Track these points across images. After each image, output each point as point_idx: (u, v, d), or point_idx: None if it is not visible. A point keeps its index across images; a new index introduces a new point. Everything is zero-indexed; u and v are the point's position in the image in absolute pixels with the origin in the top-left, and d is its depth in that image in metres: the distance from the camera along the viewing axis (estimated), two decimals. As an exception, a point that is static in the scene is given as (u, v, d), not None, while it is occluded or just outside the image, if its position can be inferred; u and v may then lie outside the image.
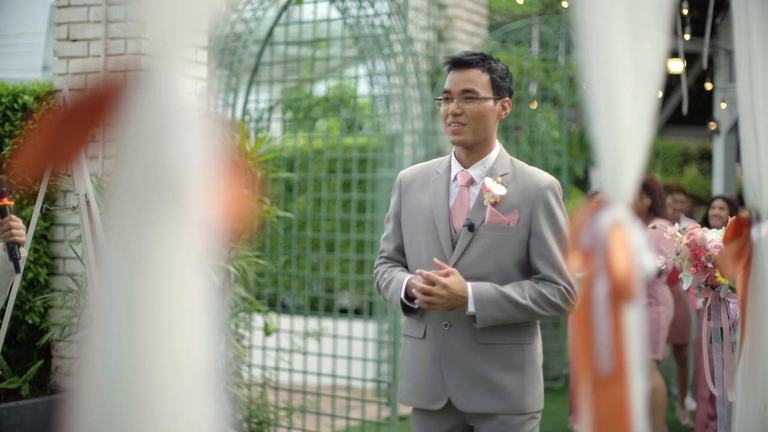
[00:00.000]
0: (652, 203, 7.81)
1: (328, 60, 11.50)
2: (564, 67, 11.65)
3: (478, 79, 4.10)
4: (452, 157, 4.24)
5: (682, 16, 10.85)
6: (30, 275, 7.00)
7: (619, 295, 2.03)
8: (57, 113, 1.47)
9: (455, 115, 4.08)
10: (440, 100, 4.17)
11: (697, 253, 4.36)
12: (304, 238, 9.39)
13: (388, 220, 4.36)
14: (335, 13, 9.17)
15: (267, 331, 7.94)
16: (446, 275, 3.97)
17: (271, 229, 9.16)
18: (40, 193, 5.58)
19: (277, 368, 8.69)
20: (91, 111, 1.48)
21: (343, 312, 10.07)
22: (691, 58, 14.46)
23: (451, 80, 4.14)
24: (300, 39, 9.48)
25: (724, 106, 14.00)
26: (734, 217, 3.43)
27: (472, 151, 4.16)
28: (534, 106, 12.01)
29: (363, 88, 11.43)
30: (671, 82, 16.20)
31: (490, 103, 4.10)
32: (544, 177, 4.13)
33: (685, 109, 10.97)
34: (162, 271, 1.45)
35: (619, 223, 2.07)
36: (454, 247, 4.09)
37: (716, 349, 4.48)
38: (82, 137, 1.49)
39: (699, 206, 16.59)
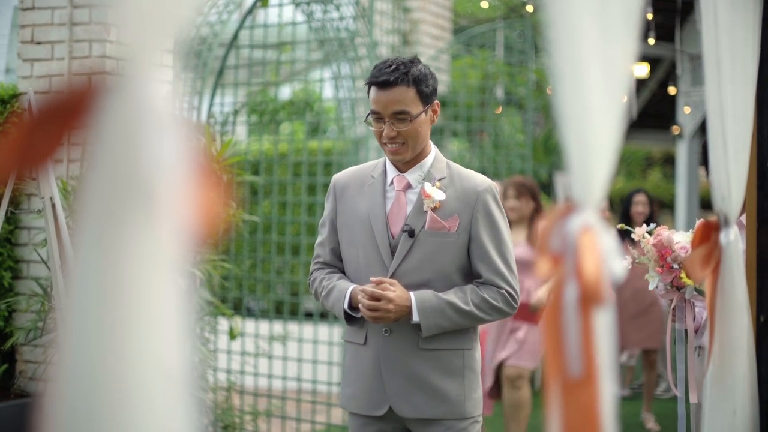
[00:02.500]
0: (536, 206, 7.85)
1: (293, 63, 11.49)
2: (528, 71, 11.68)
3: (406, 97, 4.01)
4: (387, 161, 4.20)
5: (647, 21, 10.91)
6: (-6, 279, 6.95)
7: (588, 299, 2.03)
8: (27, 117, 1.46)
9: (391, 137, 4.02)
10: (369, 121, 4.10)
11: (663, 253, 4.38)
12: (269, 242, 9.37)
13: (322, 225, 4.32)
14: (300, 17, 9.16)
15: (232, 335, 7.92)
16: (387, 285, 3.96)
17: (236, 233, 9.14)
18: (5, 197, 5.55)
19: (242, 372, 8.67)
20: (62, 115, 1.47)
21: (309, 316, 10.05)
22: (654, 62, 14.54)
23: (378, 101, 4.04)
24: (265, 42, 9.47)
25: (687, 110, 14.08)
26: (702, 221, 3.44)
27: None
28: (499, 110, 12.04)
29: (328, 91, 11.42)
30: (635, 86, 16.28)
31: (422, 114, 4.04)
32: (482, 180, 4.10)
33: (633, 115, 11.00)
34: (134, 275, 1.44)
35: (589, 227, 2.07)
36: (393, 253, 4.07)
37: (680, 350, 4.50)
38: (54, 141, 1.47)
39: (664, 210, 16.68)
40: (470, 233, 4.03)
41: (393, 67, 4.05)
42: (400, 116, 4.01)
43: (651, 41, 11.84)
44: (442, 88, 11.95)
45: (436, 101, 4.14)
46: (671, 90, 14.32)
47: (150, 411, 1.43)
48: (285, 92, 11.66)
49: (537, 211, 7.77)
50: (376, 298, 3.93)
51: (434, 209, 4.02)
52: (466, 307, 3.97)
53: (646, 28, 12.40)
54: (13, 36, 8.32)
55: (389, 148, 4.06)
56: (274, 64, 10.77)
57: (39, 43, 7.13)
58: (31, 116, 1.45)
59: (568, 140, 2.11)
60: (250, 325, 9.50)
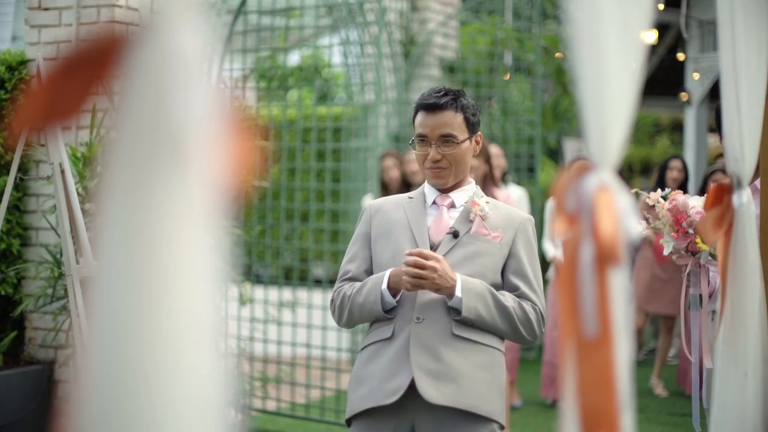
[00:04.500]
0: (489, 170, 7.84)
1: (302, 29, 11.46)
2: (537, 36, 11.64)
3: (453, 122, 4.02)
4: (425, 187, 4.18)
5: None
6: (3, 246, 6.97)
7: (604, 258, 2.02)
8: (57, 66, 1.45)
9: (436, 161, 4.01)
10: (414, 143, 4.08)
11: (678, 218, 4.36)
12: (278, 208, 9.37)
13: (352, 244, 4.19)
14: (309, -18, 9.13)
15: (242, 301, 7.93)
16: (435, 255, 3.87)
17: (245, 199, 9.13)
18: (14, 163, 5.54)
19: (251, 339, 8.68)
20: (90, 65, 1.46)
21: (318, 282, 10.06)
22: (662, 28, 14.47)
23: (426, 124, 4.03)
24: (273, 8, 9.44)
25: (696, 76, 14.01)
26: (716, 184, 3.43)
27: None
28: (507, 76, 12.00)
29: (336, 57, 11.39)
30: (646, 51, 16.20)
31: (467, 143, 4.05)
32: (524, 213, 4.18)
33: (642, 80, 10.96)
34: (165, 228, 1.43)
35: (605, 186, 2.07)
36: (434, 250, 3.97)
37: (694, 315, 4.49)
38: (83, 92, 1.46)
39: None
40: (510, 250, 4.01)
41: (443, 92, 4.06)
42: (447, 139, 4.00)
43: (660, 6, 11.78)
44: (450, 54, 11.93)
45: (480, 133, 4.14)
46: (680, 56, 14.26)
47: (181, 366, 1.43)
48: (294, 59, 11.63)
49: (487, 176, 7.77)
50: (421, 266, 3.82)
51: (482, 218, 4.02)
52: (506, 304, 3.90)
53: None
54: (20, 3, 8.30)
55: (432, 172, 4.04)
56: (282, 30, 10.74)
57: (46, 9, 7.12)
58: (59, 66, 1.44)
59: (585, 99, 2.10)
60: (259, 292, 9.52)
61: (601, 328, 2.03)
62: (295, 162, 9.36)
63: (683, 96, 14.43)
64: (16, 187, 6.92)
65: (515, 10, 12.11)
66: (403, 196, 4.23)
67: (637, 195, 4.93)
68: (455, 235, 4.00)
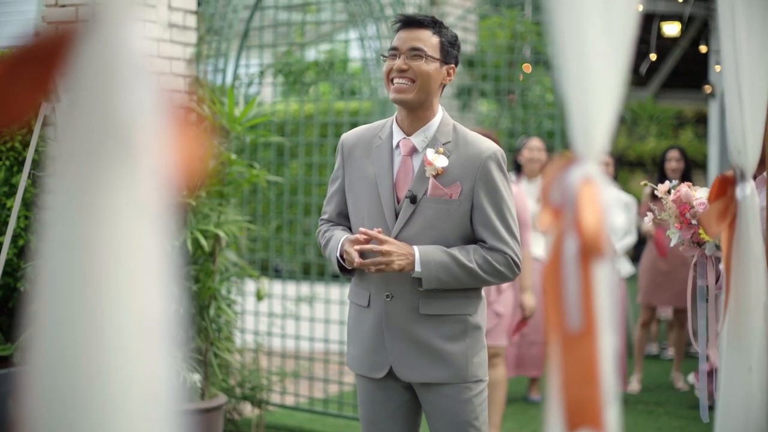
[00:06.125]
0: None
1: (319, 24, 11.45)
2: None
3: (428, 40, 4.08)
4: (394, 122, 4.20)
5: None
6: (21, 242, 6.99)
7: (588, 252, 2.01)
8: (5, 64, 1.44)
9: (401, 70, 4.06)
10: (386, 56, 4.15)
11: (682, 210, 4.35)
12: (296, 204, 9.36)
13: (332, 182, 4.33)
14: (326, -23, 9.12)
15: (259, 297, 7.93)
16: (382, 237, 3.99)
17: (262, 195, 9.14)
18: (28, 159, 5.56)
19: (269, 333, 8.69)
20: (39, 62, 1.45)
21: (336, 277, 10.05)
22: (686, 21, 14.40)
23: (400, 38, 4.12)
24: (290, 3, 9.43)
25: (719, 68, 13.94)
26: (719, 175, 3.41)
27: (414, 115, 4.12)
28: (528, 69, 11.95)
29: (355, 52, 11.37)
30: (667, 44, 16.14)
31: (437, 64, 4.08)
32: (487, 146, 4.08)
33: (643, 69, 10.91)
34: (112, 222, 1.42)
35: (590, 179, 2.05)
36: (397, 218, 4.07)
37: (701, 307, 4.47)
38: (35, 89, 1.46)
39: (696, 169, 16.57)
40: (473, 200, 4.03)
41: (426, 15, 4.16)
42: (417, 52, 4.06)
43: (680, -1, 11.72)
44: (469, 48, 11.89)
45: (453, 66, 4.16)
46: (703, 48, 14.20)
47: (127, 363, 1.42)
48: (311, 54, 11.61)
49: None
50: (380, 243, 3.96)
51: (436, 176, 4.01)
52: (468, 264, 3.96)
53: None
54: (40, 0, 8.32)
55: (395, 85, 4.07)
56: (299, 25, 10.74)
57: (63, 6, 7.14)
58: (6, 65, 1.44)
59: (568, 90, 2.09)
60: (277, 287, 9.52)
61: (585, 321, 2.01)
62: (312, 157, 9.36)
63: (707, 88, 14.37)
64: (34, 183, 6.95)
65: (535, 3, 12.06)
66: (374, 132, 4.26)
67: (646, 187, 4.92)
68: (413, 200, 4.04)
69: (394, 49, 4.11)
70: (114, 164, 1.42)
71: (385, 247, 3.94)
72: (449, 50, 4.12)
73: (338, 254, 4.09)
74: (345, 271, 4.17)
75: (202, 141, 1.48)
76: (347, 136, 4.31)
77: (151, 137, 1.44)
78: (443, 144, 4.06)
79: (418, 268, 3.95)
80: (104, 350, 1.41)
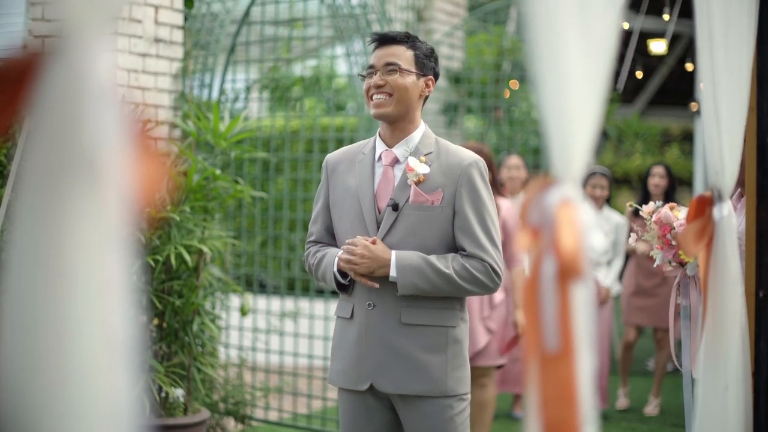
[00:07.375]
0: (492, 177, 7.73)
1: (306, 40, 11.47)
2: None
3: (403, 54, 4.15)
4: (377, 137, 4.25)
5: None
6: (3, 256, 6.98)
7: (566, 273, 2.03)
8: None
9: (378, 86, 4.12)
10: (364, 75, 4.21)
11: (663, 230, 4.38)
12: (281, 219, 9.37)
13: (316, 203, 4.36)
14: (312, -7, 9.13)
15: (243, 312, 7.93)
16: (372, 243, 4.01)
17: (247, 210, 9.14)
18: (12, 172, 5.56)
19: (253, 349, 8.69)
20: (9, 84, 1.46)
21: (320, 292, 10.06)
22: (672, 39, 14.47)
23: (376, 55, 4.19)
24: (277, 19, 9.45)
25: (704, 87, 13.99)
26: (697, 196, 3.43)
27: (396, 128, 4.17)
28: (515, 86, 11.99)
29: (341, 67, 11.38)
30: (653, 62, 16.21)
31: (413, 77, 4.14)
32: (468, 155, 4.13)
33: (620, 86, 10.93)
34: (75, 246, 1.44)
35: (568, 201, 2.07)
36: (378, 227, 4.10)
37: (684, 326, 4.50)
38: (5, 110, 1.47)
39: (682, 187, 16.60)
40: (454, 207, 4.05)
41: (399, 32, 4.26)
42: (392, 67, 4.13)
43: (666, 17, 11.77)
44: (456, 64, 11.92)
45: (432, 78, 4.22)
46: (689, 66, 14.25)
47: (90, 383, 1.44)
48: (297, 69, 11.63)
49: (495, 183, 7.69)
50: (354, 246, 4.01)
51: (418, 183, 4.05)
52: (445, 270, 3.97)
53: (663, 4, 12.34)
54: (27, 14, 8.31)
55: (374, 101, 4.14)
56: (286, 40, 10.76)
57: (49, 20, 7.13)
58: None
59: (547, 112, 2.10)
60: (261, 302, 9.52)
61: (563, 342, 2.03)
62: (297, 172, 9.37)
63: (693, 106, 14.43)
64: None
65: (521, 20, 12.10)
66: (358, 149, 4.32)
67: (631, 207, 4.95)
68: (394, 208, 4.08)
69: (371, 67, 4.18)
70: (77, 186, 1.43)
71: (357, 250, 3.99)
72: (425, 62, 4.19)
73: (335, 268, 4.11)
74: (342, 288, 4.18)
75: (163, 166, 1.50)
76: (331, 155, 4.36)
77: (114, 161, 1.45)
78: (425, 154, 4.10)
79: (393, 272, 3.99)
80: (66, 367, 1.43)
